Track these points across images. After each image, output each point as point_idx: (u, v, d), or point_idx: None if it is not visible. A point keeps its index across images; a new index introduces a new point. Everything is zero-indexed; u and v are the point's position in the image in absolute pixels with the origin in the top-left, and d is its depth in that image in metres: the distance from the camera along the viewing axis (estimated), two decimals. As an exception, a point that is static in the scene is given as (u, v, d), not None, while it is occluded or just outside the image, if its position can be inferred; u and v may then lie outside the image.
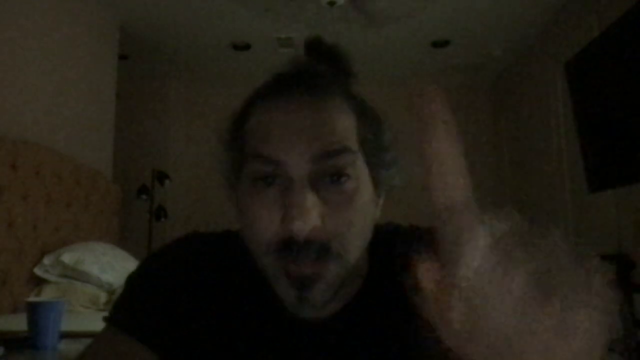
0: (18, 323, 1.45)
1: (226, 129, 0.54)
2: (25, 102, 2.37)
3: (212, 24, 3.56)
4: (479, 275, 0.25)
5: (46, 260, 2.25)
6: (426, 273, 0.28)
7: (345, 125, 0.49)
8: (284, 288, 0.47)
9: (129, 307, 0.57)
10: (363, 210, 0.49)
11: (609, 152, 2.70)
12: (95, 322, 0.61)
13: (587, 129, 2.81)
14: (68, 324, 1.38)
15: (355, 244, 0.48)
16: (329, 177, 0.47)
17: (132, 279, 0.59)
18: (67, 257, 2.25)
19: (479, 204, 0.28)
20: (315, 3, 3.14)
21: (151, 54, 4.12)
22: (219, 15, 3.43)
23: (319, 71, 0.52)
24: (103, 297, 2.25)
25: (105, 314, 0.58)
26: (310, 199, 0.45)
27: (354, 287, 0.55)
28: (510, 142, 4.37)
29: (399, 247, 0.57)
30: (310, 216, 0.44)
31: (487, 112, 4.76)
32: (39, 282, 2.24)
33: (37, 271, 2.23)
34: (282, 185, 0.47)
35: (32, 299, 1.67)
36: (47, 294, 2.15)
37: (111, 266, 2.35)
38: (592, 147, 2.82)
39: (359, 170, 0.49)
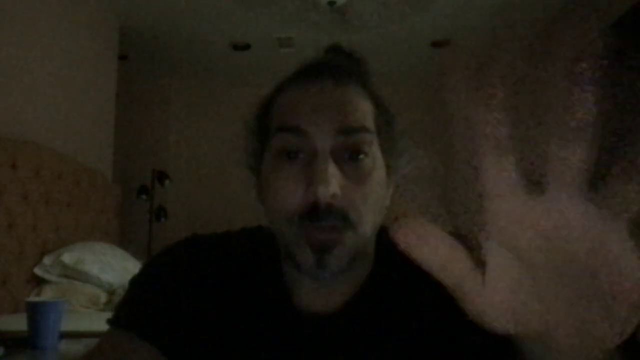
0: (18, 323, 1.45)
1: (253, 112, 0.58)
2: (25, 102, 2.37)
3: (212, 24, 3.56)
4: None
5: (46, 260, 2.25)
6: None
7: (365, 109, 0.53)
8: (305, 253, 0.50)
9: (132, 308, 0.57)
10: (377, 189, 0.52)
11: (609, 152, 2.70)
12: (95, 322, 0.61)
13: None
14: (68, 324, 1.38)
15: (368, 217, 0.51)
16: (348, 154, 0.51)
17: (134, 281, 0.59)
18: (67, 257, 2.25)
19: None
20: (315, 3, 3.14)
21: (151, 54, 4.12)
22: (219, 15, 3.43)
23: (341, 63, 0.57)
24: (103, 297, 2.25)
25: (106, 314, 0.58)
26: (332, 168, 0.48)
27: (359, 279, 0.55)
28: (510, 142, 4.37)
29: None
30: (332, 182, 0.48)
31: (487, 112, 4.75)
32: (39, 282, 2.24)
33: (37, 271, 2.23)
34: (306, 159, 0.50)
35: (32, 299, 1.67)
36: (47, 294, 2.15)
37: (111, 266, 2.35)
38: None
39: (375, 152, 0.52)
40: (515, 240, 0.24)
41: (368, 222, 0.51)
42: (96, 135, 3.12)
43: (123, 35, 3.50)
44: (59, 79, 2.68)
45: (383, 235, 0.57)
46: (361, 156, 0.51)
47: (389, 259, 0.57)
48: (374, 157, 0.52)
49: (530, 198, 0.23)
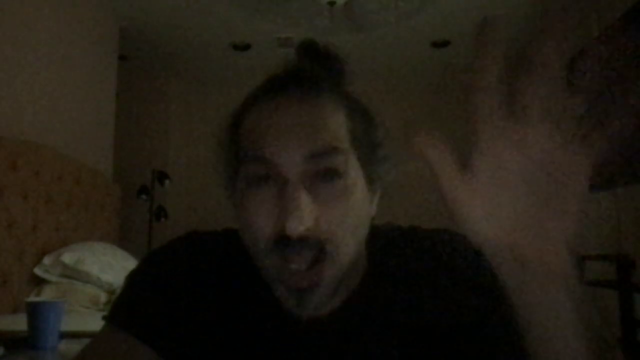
0: (18, 323, 1.45)
1: (223, 132, 0.55)
2: (25, 102, 2.37)
3: (212, 24, 3.56)
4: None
5: (46, 260, 2.25)
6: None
7: (335, 124, 0.50)
8: (283, 293, 0.48)
9: (128, 306, 0.57)
10: (356, 208, 0.49)
11: (608, 152, 2.70)
12: (95, 322, 0.61)
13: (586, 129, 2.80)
14: (68, 324, 1.38)
15: (348, 243, 0.49)
16: (321, 177, 0.48)
17: (131, 278, 0.59)
18: (67, 257, 2.24)
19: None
20: (315, 3, 3.14)
21: (151, 54, 4.12)
22: (219, 16, 3.43)
23: (309, 72, 0.53)
24: (103, 297, 2.25)
25: (106, 313, 0.58)
26: (304, 198, 0.46)
27: (352, 285, 0.55)
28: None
29: (398, 246, 0.58)
30: (304, 215, 0.45)
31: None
32: (39, 282, 2.23)
33: (37, 271, 2.23)
34: (277, 185, 0.48)
35: (32, 299, 1.67)
36: (47, 294, 2.15)
37: (111, 266, 2.35)
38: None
39: (351, 169, 0.49)
40: (495, 156, 0.32)
41: (348, 247, 0.49)
42: (96, 135, 3.11)
43: (123, 35, 3.50)
44: (59, 79, 2.68)
45: (376, 238, 0.56)
46: (335, 178, 0.48)
47: (383, 261, 0.56)
48: (350, 175, 0.49)
49: (511, 123, 0.31)
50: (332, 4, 3.07)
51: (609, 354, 0.36)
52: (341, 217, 0.48)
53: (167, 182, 3.87)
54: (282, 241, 0.46)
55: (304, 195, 0.46)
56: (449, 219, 0.34)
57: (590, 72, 2.71)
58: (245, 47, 3.95)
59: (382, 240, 0.57)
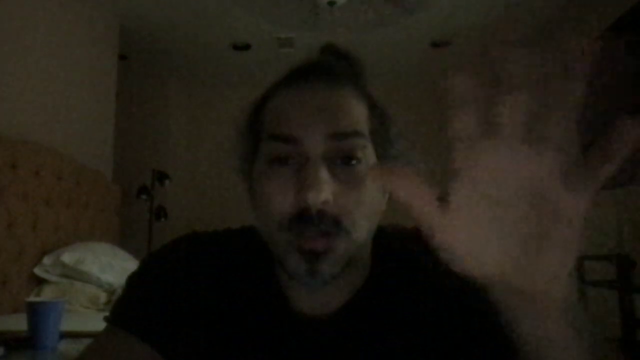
0: (18, 323, 1.45)
1: (244, 116, 0.57)
2: (25, 102, 2.37)
3: (212, 24, 3.56)
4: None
5: (46, 260, 2.25)
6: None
7: (358, 112, 0.52)
8: (295, 261, 0.48)
9: (129, 306, 0.57)
10: (371, 194, 0.50)
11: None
12: (95, 322, 0.61)
13: (587, 129, 2.81)
14: (68, 324, 1.38)
15: (362, 223, 0.50)
16: (340, 159, 0.49)
17: (131, 279, 0.59)
18: (67, 257, 2.25)
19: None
20: (315, 3, 3.14)
21: (151, 54, 4.12)
22: (219, 15, 3.43)
23: (333, 65, 0.55)
24: (103, 297, 2.25)
25: (106, 314, 0.58)
26: (324, 173, 0.47)
27: (356, 283, 0.55)
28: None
29: (402, 247, 0.58)
30: (324, 188, 0.46)
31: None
32: (39, 282, 2.24)
33: (37, 271, 2.23)
34: (297, 165, 0.49)
35: (32, 299, 1.67)
36: (47, 294, 2.15)
37: (111, 266, 2.35)
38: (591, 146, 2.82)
39: (369, 156, 0.51)
40: (475, 180, 0.29)
41: (362, 228, 0.49)
42: (96, 135, 3.12)
43: (123, 35, 3.50)
44: (59, 79, 2.68)
45: (381, 238, 0.56)
46: (354, 161, 0.49)
47: (387, 262, 0.56)
48: (368, 161, 0.50)
49: (488, 145, 0.27)
50: (332, 4, 3.07)
51: None
52: (358, 198, 0.49)
53: (167, 182, 3.87)
54: (301, 217, 0.47)
55: (325, 171, 0.47)
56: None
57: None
58: (245, 47, 3.95)
59: (386, 240, 0.58)
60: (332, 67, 0.54)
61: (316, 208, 0.46)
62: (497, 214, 0.29)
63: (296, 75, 0.54)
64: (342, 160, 0.49)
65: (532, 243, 0.29)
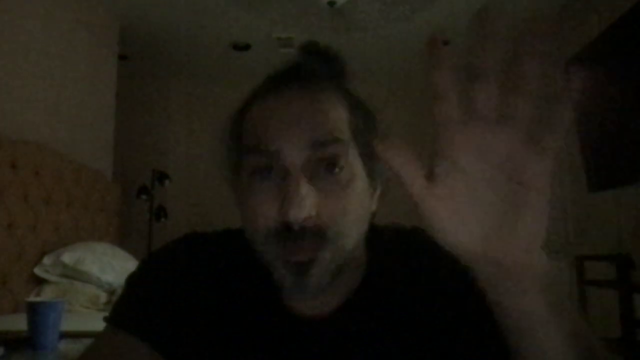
0: (18, 323, 1.45)
1: (225, 127, 0.56)
2: (25, 102, 2.37)
3: (212, 24, 3.56)
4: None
5: (46, 260, 2.25)
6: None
7: (337, 117, 0.51)
8: (282, 274, 0.48)
9: (129, 306, 0.57)
10: (357, 200, 0.50)
11: (609, 152, 2.70)
12: (95, 322, 0.61)
13: (587, 129, 2.81)
14: (68, 324, 1.38)
15: (350, 231, 0.49)
16: (323, 168, 0.49)
17: (131, 279, 0.59)
18: (67, 257, 2.25)
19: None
20: (315, 3, 3.14)
21: (151, 54, 4.12)
22: (219, 15, 3.43)
23: (312, 68, 0.54)
24: (103, 297, 2.25)
25: (106, 314, 0.58)
26: (305, 188, 0.47)
27: (352, 283, 0.55)
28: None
29: (399, 247, 0.58)
30: (305, 204, 0.46)
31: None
32: (39, 282, 2.24)
33: (37, 271, 2.23)
34: (279, 177, 0.48)
35: (32, 299, 1.67)
36: (47, 294, 2.15)
37: (111, 266, 2.35)
38: (592, 147, 2.82)
39: (352, 161, 0.50)
40: (458, 160, 0.32)
41: (349, 235, 0.49)
42: (96, 135, 3.12)
43: (123, 35, 3.50)
44: (59, 79, 2.68)
45: (377, 238, 0.56)
46: (336, 169, 0.49)
47: (383, 261, 0.56)
48: (351, 167, 0.50)
49: (470, 128, 0.31)
50: (332, 4, 3.07)
51: (598, 350, 0.38)
52: (342, 207, 0.48)
53: (167, 182, 3.87)
54: (284, 231, 0.47)
55: (306, 185, 0.47)
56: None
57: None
58: (245, 47, 3.95)
59: (383, 240, 0.58)
60: (310, 71, 0.53)
61: (298, 225, 0.46)
62: (476, 188, 0.32)
63: (273, 83, 0.53)
64: (325, 169, 0.49)
65: (508, 215, 0.32)
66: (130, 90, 4.22)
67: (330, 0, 3.03)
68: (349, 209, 0.49)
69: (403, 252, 0.57)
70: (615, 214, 2.75)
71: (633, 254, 2.56)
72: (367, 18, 3.39)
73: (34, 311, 1.26)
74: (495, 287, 0.35)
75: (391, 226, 0.61)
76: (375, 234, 0.56)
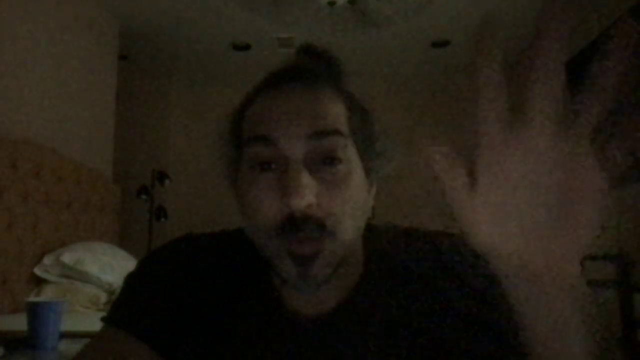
0: (18, 323, 1.45)
1: (226, 123, 0.57)
2: (25, 102, 2.37)
3: (212, 24, 3.56)
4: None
5: (46, 260, 2.25)
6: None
7: (336, 111, 0.52)
8: (286, 266, 0.49)
9: (127, 306, 0.57)
10: (355, 193, 0.51)
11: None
12: (95, 322, 0.61)
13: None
14: (68, 324, 1.38)
15: (348, 223, 0.50)
16: (321, 160, 0.49)
17: (129, 279, 0.59)
18: (67, 257, 2.25)
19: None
20: (315, 3, 3.14)
21: (151, 54, 4.12)
22: (219, 16, 3.43)
23: (309, 67, 0.55)
24: (103, 297, 2.25)
25: (105, 314, 0.58)
26: (306, 177, 0.47)
27: (350, 281, 0.55)
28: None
29: (396, 246, 0.58)
30: (306, 193, 0.46)
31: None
32: (39, 282, 2.24)
33: (37, 271, 2.23)
34: (279, 169, 0.49)
35: (32, 299, 1.67)
36: (47, 294, 2.15)
37: (111, 266, 2.35)
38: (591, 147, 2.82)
39: (350, 156, 0.51)
40: (501, 163, 0.30)
41: (348, 228, 0.50)
42: (96, 135, 3.12)
43: (123, 35, 3.50)
44: (59, 79, 2.68)
45: (373, 237, 0.57)
46: (335, 162, 0.49)
47: (380, 261, 0.57)
48: (350, 161, 0.51)
49: (514, 129, 0.29)
50: (332, 4, 3.07)
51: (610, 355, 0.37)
52: (341, 199, 0.49)
53: (167, 182, 3.87)
54: (287, 224, 0.47)
55: (306, 174, 0.47)
56: (449, 217, 0.34)
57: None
58: (245, 47, 3.95)
59: (380, 239, 0.58)
60: (309, 70, 0.54)
61: (300, 213, 0.47)
62: (519, 191, 0.30)
63: (274, 80, 0.54)
64: (324, 161, 0.49)
65: (552, 220, 0.30)
66: (130, 90, 4.23)
67: (330, 0, 3.03)
68: (347, 201, 0.49)
69: (400, 253, 0.57)
70: (615, 214, 2.75)
71: (633, 254, 2.56)
72: (367, 18, 3.39)
73: (34, 311, 1.26)
74: (524, 292, 0.34)
75: (387, 226, 0.61)
76: (373, 234, 0.56)
